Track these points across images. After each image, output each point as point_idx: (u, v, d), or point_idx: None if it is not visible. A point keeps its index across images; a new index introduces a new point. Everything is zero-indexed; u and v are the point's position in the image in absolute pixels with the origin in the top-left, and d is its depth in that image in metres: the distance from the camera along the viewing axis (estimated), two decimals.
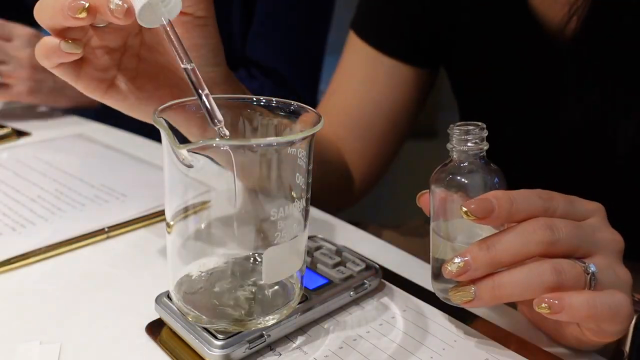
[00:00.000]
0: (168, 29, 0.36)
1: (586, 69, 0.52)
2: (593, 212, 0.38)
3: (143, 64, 0.44)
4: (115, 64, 0.43)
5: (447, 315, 0.41)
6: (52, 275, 0.45)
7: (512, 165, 0.43)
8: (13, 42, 0.77)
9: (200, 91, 0.36)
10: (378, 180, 0.76)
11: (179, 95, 0.44)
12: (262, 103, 0.39)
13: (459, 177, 0.38)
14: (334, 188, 0.68)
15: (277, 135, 0.39)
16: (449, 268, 0.35)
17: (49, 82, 0.80)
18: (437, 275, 0.39)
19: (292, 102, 0.38)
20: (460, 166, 0.38)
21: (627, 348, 0.39)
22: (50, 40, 0.38)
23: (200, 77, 0.36)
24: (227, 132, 0.36)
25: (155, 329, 0.39)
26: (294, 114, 0.38)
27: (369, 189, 0.75)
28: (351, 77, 0.69)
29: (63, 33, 0.38)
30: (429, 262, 0.49)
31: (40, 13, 0.38)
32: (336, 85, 0.71)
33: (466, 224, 0.38)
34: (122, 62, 0.43)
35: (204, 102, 0.35)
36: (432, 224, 0.39)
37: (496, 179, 0.38)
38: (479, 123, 0.38)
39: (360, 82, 0.68)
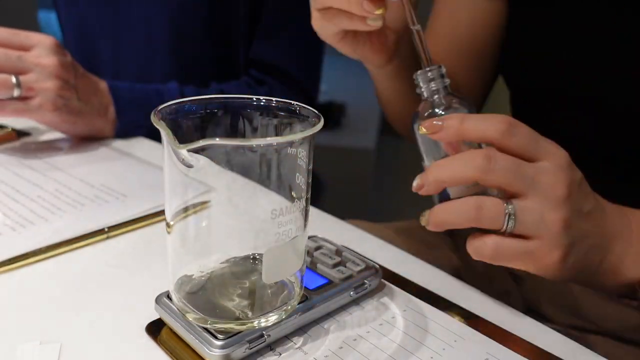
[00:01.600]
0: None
1: None
2: (551, 155, 0.40)
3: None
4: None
5: (447, 315, 0.41)
6: (52, 275, 0.45)
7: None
8: (33, 50, 0.67)
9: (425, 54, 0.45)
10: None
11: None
12: (262, 103, 0.39)
13: (432, 111, 0.44)
14: None
15: (277, 135, 0.39)
16: (413, 184, 0.42)
17: (74, 100, 0.70)
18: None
19: (292, 102, 0.38)
20: (432, 101, 0.45)
21: None
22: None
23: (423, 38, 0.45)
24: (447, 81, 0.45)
25: (155, 329, 0.39)
26: (295, 114, 0.38)
27: None
28: (457, 5, 0.69)
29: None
30: (429, 262, 0.49)
31: None
32: (444, 12, 0.70)
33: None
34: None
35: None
36: (424, 163, 0.46)
37: (466, 109, 0.44)
38: (437, 65, 0.45)
39: (466, 13, 0.68)
